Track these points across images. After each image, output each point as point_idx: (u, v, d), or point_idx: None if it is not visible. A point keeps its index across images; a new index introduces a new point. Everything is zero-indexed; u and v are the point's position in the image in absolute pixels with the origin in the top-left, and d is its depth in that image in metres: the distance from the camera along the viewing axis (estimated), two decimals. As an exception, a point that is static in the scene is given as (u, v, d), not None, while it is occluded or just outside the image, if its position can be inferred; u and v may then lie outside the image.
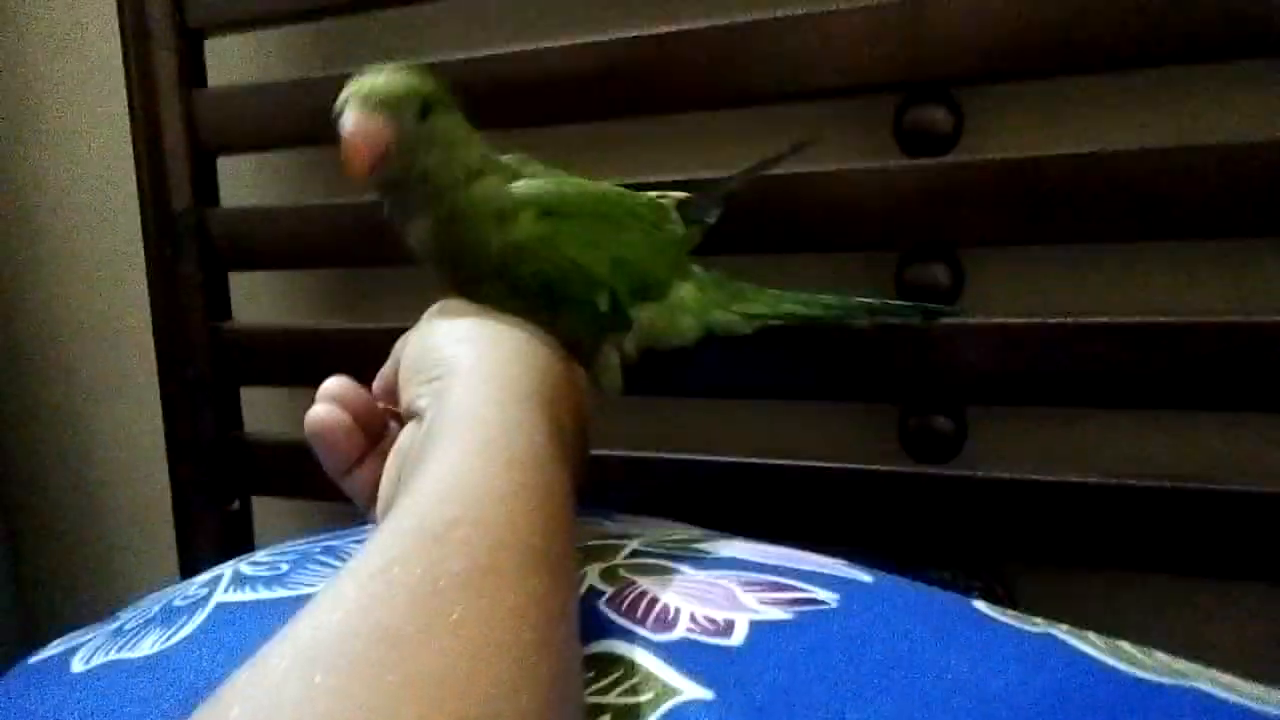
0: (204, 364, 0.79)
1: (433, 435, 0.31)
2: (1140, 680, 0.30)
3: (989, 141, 0.59)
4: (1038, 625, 0.34)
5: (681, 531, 0.46)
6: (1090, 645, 0.32)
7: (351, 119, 0.42)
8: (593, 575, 0.37)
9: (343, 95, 0.43)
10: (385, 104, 0.42)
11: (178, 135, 0.77)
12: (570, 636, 0.26)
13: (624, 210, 0.52)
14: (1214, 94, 0.55)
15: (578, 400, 0.40)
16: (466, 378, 0.33)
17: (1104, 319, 0.54)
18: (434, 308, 0.43)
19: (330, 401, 0.41)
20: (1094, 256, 0.59)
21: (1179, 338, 0.52)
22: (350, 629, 0.22)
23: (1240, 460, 0.57)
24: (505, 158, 0.49)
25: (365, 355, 0.46)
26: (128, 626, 0.41)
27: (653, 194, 0.55)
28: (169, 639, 0.38)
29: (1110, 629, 0.38)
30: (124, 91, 0.78)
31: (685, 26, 0.61)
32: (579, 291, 0.48)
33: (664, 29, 0.61)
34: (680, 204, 0.55)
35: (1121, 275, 0.58)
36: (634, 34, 0.62)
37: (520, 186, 0.47)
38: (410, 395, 0.37)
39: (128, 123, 0.78)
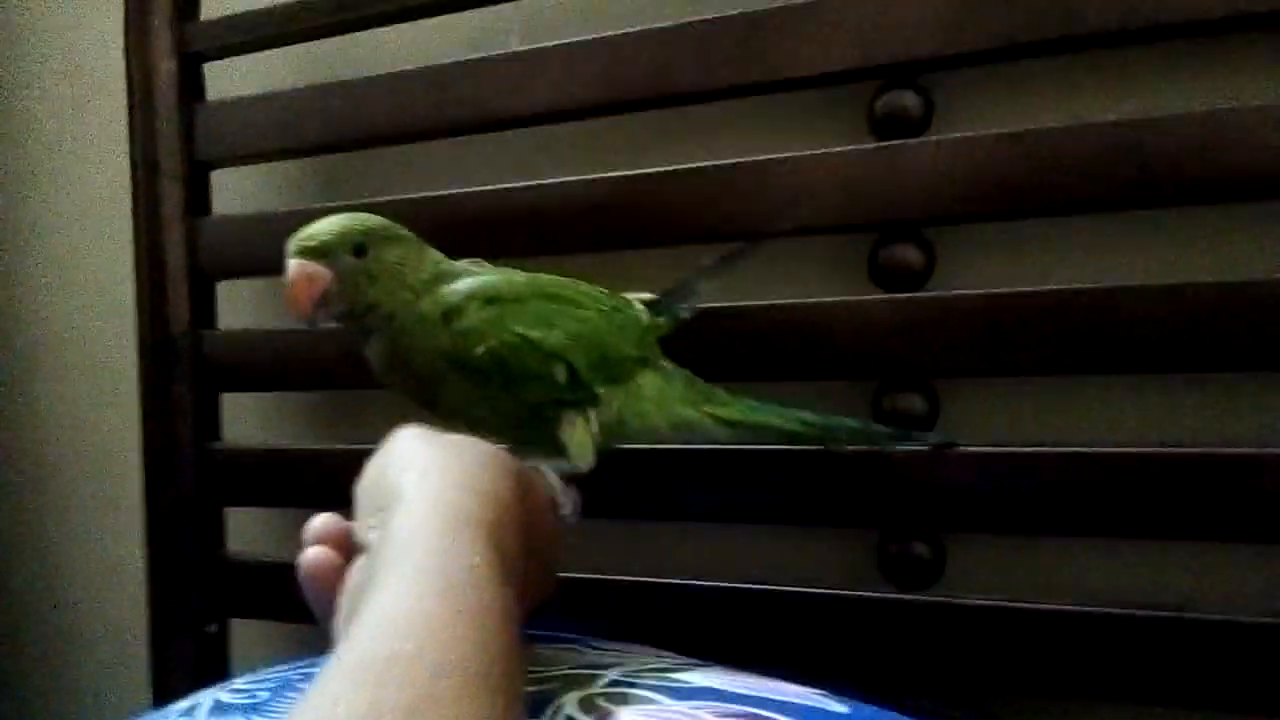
0: (190, 484, 0.79)
1: (375, 570, 0.31)
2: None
3: (959, 277, 0.61)
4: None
5: (659, 660, 0.46)
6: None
7: (291, 267, 0.49)
8: (570, 705, 0.37)
9: (288, 246, 0.49)
10: (319, 250, 0.49)
11: (179, 261, 0.79)
12: None
13: (577, 293, 0.54)
14: (1173, 236, 0.58)
15: (529, 516, 0.40)
16: (408, 509, 0.33)
17: (1077, 448, 0.55)
18: (394, 432, 0.43)
19: (320, 544, 0.41)
20: (1065, 387, 0.60)
21: (1150, 467, 0.54)
22: None
23: (1216, 589, 0.57)
24: (460, 264, 0.53)
25: (350, 476, 0.46)
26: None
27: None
28: (142, 769, 0.38)
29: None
30: (129, 217, 0.81)
31: (674, 166, 0.64)
32: (534, 365, 0.51)
33: (654, 169, 0.64)
34: (650, 303, 0.58)
35: (1092, 404, 0.60)
36: (625, 173, 0.65)
37: (464, 283, 0.51)
38: (362, 529, 0.37)
39: (130, 247, 0.81)
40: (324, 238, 0.49)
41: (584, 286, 0.55)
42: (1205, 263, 0.57)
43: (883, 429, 0.59)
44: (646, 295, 0.59)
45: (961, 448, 0.58)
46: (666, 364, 0.58)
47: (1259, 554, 0.56)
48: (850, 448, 0.59)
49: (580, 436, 0.52)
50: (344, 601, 0.37)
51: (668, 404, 0.56)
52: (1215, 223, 0.57)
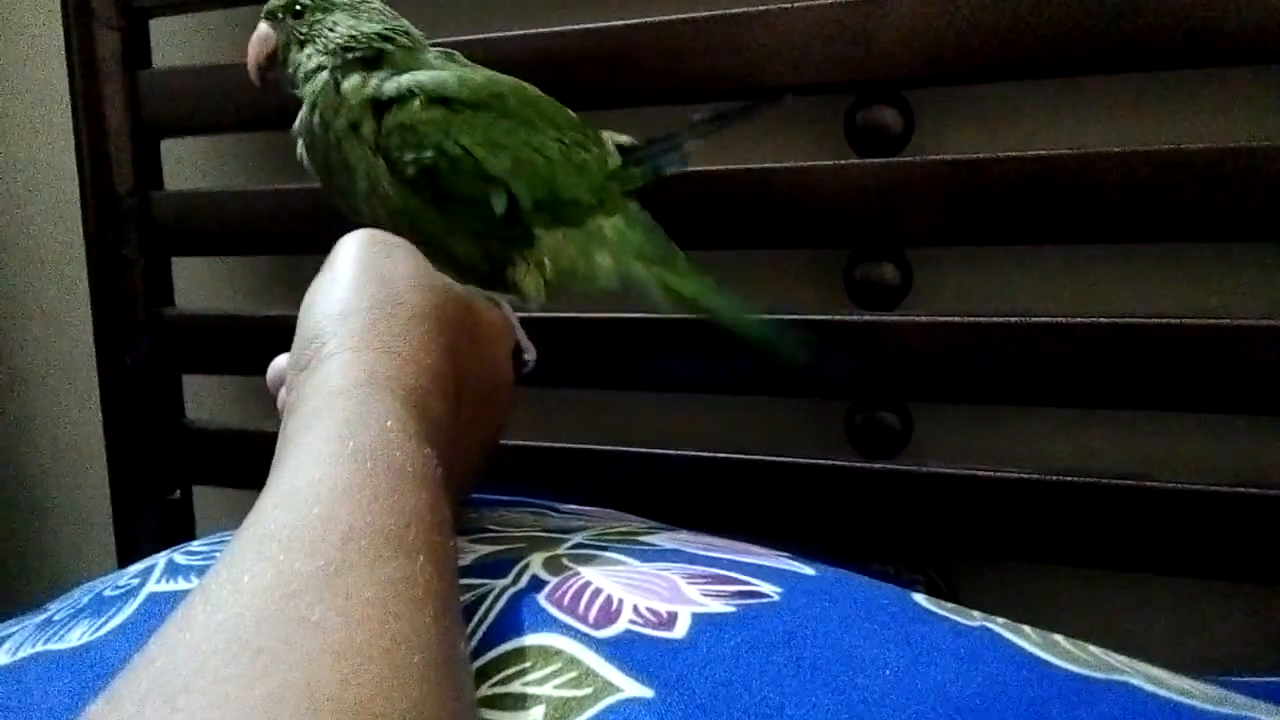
0: (144, 349, 0.77)
1: (286, 438, 0.30)
2: (1072, 675, 0.30)
3: (938, 142, 0.59)
4: (975, 619, 0.34)
5: (627, 523, 0.46)
6: (1025, 639, 0.33)
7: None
8: (536, 565, 0.36)
9: None
10: (267, 13, 0.50)
11: (120, 117, 0.75)
12: (443, 617, 0.25)
13: (537, 112, 0.49)
14: (1155, 101, 0.56)
15: (473, 354, 0.38)
16: (324, 372, 0.32)
17: (1045, 318, 0.55)
18: (331, 256, 0.39)
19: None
20: (1038, 257, 0.60)
21: (1118, 337, 0.53)
22: (207, 647, 0.21)
23: (1174, 458, 0.58)
24: (430, 53, 0.50)
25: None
26: (56, 617, 0.40)
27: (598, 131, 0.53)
28: (98, 630, 0.37)
29: (1047, 622, 0.39)
30: (65, 71, 0.76)
31: (642, 19, 0.60)
32: (469, 187, 0.46)
33: (620, 21, 0.61)
34: (630, 149, 0.53)
35: (1064, 275, 0.59)
36: (590, 25, 0.62)
37: (410, 75, 0.47)
38: (289, 386, 0.35)
39: (69, 103, 0.76)
40: (273, 1, 0.50)
41: (551, 106, 0.50)
42: (1188, 129, 0.56)
43: (840, 364, 0.55)
44: (625, 138, 0.54)
45: (929, 317, 0.57)
46: (633, 210, 0.53)
47: (1220, 423, 0.57)
48: (796, 363, 0.54)
49: (532, 277, 0.49)
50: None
51: (623, 255, 0.51)
52: (1200, 87, 0.55)
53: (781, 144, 0.63)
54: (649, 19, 0.60)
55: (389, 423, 0.29)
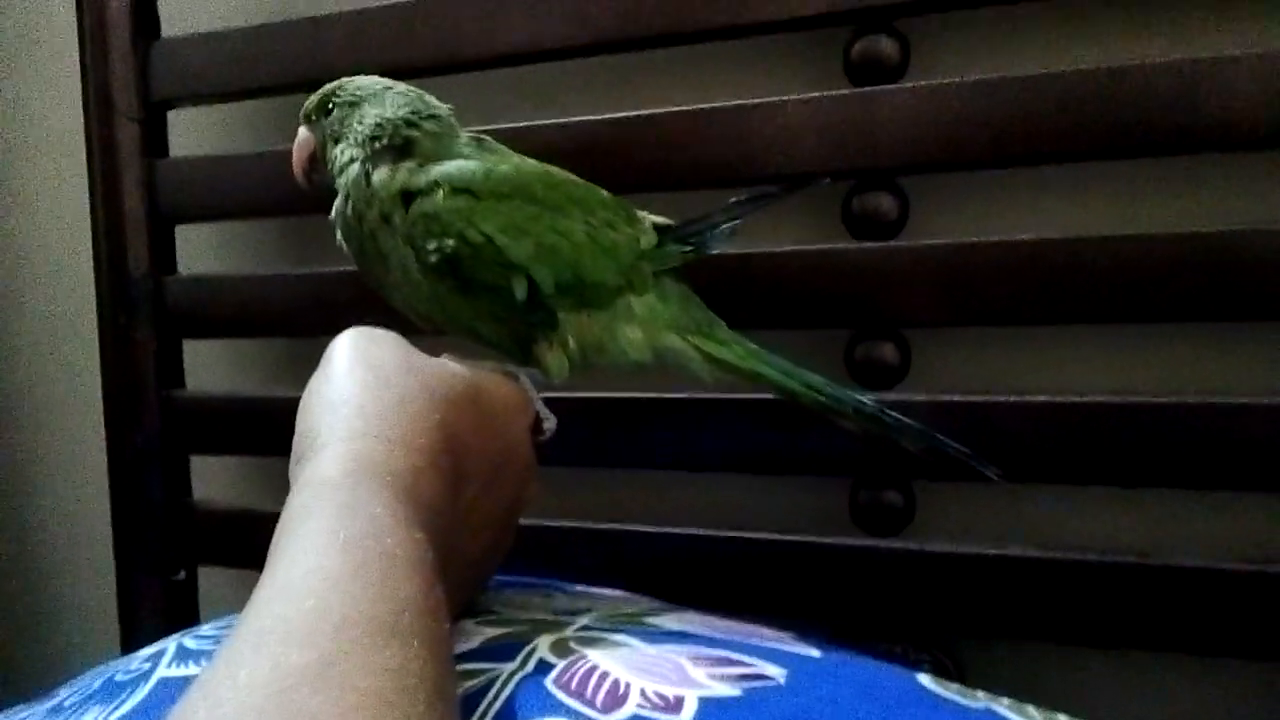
0: (154, 431, 0.78)
1: (279, 529, 0.30)
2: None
3: (933, 227, 0.61)
4: (979, 700, 0.35)
5: (633, 604, 0.46)
6: (1029, 720, 0.33)
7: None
8: (543, 648, 0.37)
9: None
10: (304, 116, 0.52)
11: (137, 203, 0.77)
12: (436, 703, 0.25)
13: (565, 197, 0.49)
14: (1142, 187, 0.58)
15: (485, 433, 0.39)
16: (315, 464, 0.33)
17: (1044, 398, 0.56)
18: (325, 354, 0.40)
19: None
20: (1036, 335, 0.61)
21: (1119, 415, 0.54)
22: None
23: (1180, 536, 0.58)
24: (462, 139, 0.50)
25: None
26: (67, 703, 0.40)
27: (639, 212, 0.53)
28: (109, 715, 0.37)
29: (1053, 701, 0.39)
30: (84, 160, 0.78)
31: (645, 112, 0.63)
32: (490, 273, 0.46)
33: (626, 113, 0.63)
34: (666, 229, 0.53)
35: (1063, 353, 0.60)
36: (594, 118, 0.64)
37: (439, 167, 0.47)
38: (291, 480, 0.35)
39: (86, 190, 0.79)
40: (308, 103, 0.51)
41: (580, 189, 0.50)
42: (1177, 213, 0.57)
43: (899, 419, 0.51)
44: (662, 220, 0.54)
45: (930, 396, 0.58)
46: (667, 285, 0.52)
47: (1220, 501, 0.57)
48: (853, 426, 0.52)
49: (555, 355, 0.49)
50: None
51: (655, 329, 0.51)
52: (1188, 173, 0.57)
53: (781, 229, 0.65)
54: (651, 111, 0.62)
55: (378, 510, 0.30)
